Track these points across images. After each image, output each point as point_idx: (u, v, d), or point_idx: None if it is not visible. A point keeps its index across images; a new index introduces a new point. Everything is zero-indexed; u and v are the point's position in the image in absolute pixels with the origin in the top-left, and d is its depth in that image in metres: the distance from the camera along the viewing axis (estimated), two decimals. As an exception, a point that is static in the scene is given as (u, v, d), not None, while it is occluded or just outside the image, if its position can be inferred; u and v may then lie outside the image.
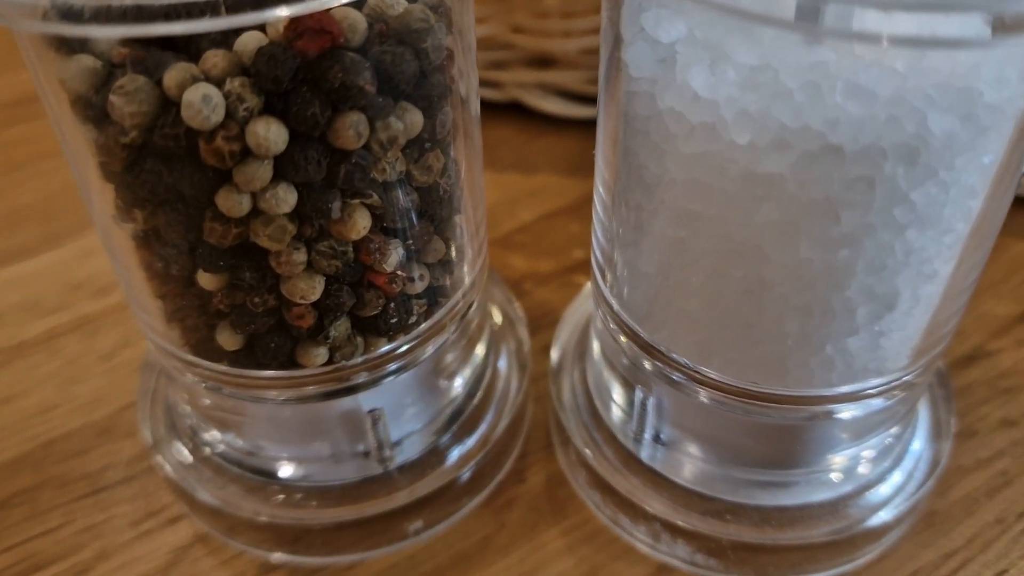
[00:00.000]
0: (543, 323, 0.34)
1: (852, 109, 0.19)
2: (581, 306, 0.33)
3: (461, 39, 0.23)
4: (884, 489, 0.29)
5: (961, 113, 0.19)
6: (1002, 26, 0.17)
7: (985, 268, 0.36)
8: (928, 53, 0.19)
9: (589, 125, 0.42)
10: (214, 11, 0.17)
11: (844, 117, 0.19)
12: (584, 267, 0.37)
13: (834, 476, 0.29)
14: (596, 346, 0.30)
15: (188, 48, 0.20)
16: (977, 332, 0.34)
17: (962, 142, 0.19)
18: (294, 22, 0.19)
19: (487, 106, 0.38)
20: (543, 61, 0.40)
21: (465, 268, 0.27)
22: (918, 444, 0.30)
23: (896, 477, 0.29)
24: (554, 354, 0.32)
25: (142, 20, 0.17)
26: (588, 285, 0.34)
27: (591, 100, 0.41)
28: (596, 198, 0.26)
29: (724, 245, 0.21)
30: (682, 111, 0.20)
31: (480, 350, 0.31)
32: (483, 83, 0.40)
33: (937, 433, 0.30)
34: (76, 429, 0.32)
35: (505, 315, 0.33)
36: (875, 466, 0.29)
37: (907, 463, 0.30)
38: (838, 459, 0.29)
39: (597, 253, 0.26)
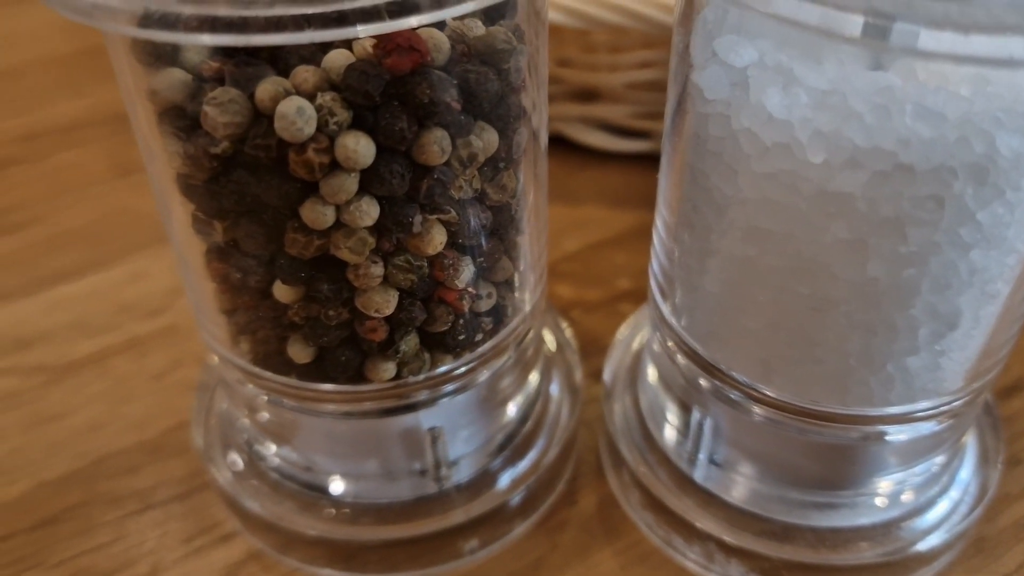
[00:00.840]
0: (591, 350, 0.35)
1: (922, 130, 0.20)
2: (630, 333, 0.33)
3: (536, 74, 0.24)
4: (933, 514, 0.29)
5: (1031, 132, 0.20)
6: None
7: None
8: (992, 78, 0.20)
9: (632, 159, 0.43)
10: (309, 25, 0.18)
11: (915, 138, 0.19)
12: (630, 296, 0.37)
13: (880, 501, 0.29)
14: (651, 370, 0.30)
15: (277, 63, 0.20)
16: (1019, 364, 0.35)
17: (1031, 162, 0.20)
18: (383, 40, 0.20)
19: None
20: (588, 95, 0.41)
21: (527, 292, 0.27)
22: (966, 472, 0.30)
23: (944, 503, 0.30)
24: (607, 379, 0.32)
25: (237, 31, 0.18)
26: (635, 313, 0.35)
27: (634, 134, 0.42)
28: (658, 220, 0.26)
29: (792, 262, 0.22)
30: (757, 131, 0.21)
31: (534, 377, 0.31)
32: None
33: (984, 461, 0.30)
34: (127, 447, 0.32)
35: (556, 341, 0.33)
36: (921, 492, 0.29)
37: (955, 490, 0.30)
38: (885, 483, 0.29)
39: (657, 275, 0.27)
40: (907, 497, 0.29)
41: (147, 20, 0.18)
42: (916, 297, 0.22)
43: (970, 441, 0.31)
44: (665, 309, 0.27)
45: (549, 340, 0.33)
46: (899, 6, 0.17)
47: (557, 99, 0.42)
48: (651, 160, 0.43)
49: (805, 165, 0.20)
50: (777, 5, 0.17)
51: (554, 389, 0.32)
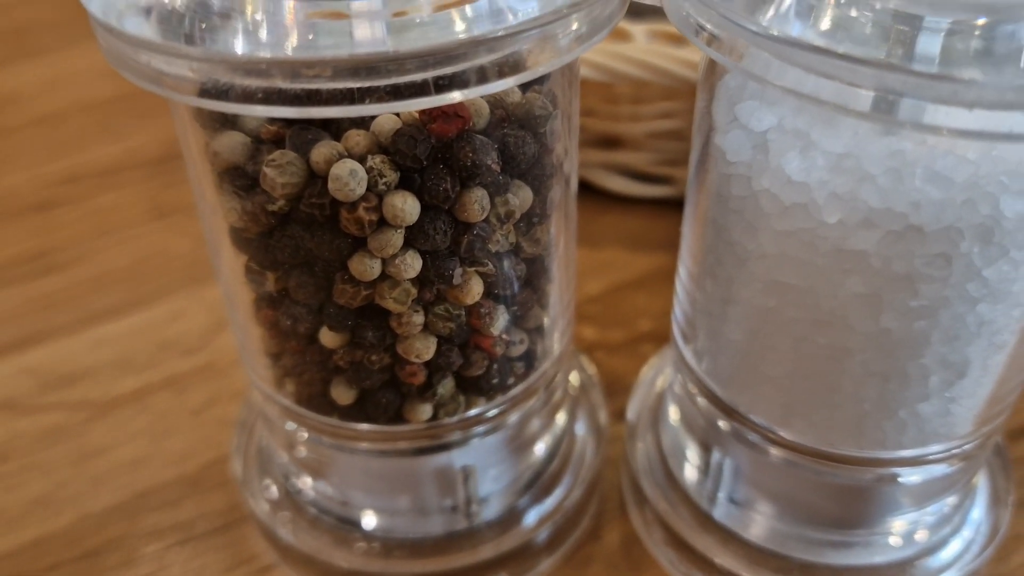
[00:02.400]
0: (614, 390, 0.36)
1: (932, 193, 0.21)
2: (652, 374, 0.35)
3: (568, 122, 0.25)
4: (946, 554, 0.30)
5: (1034, 197, 0.21)
6: None
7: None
8: (997, 144, 0.21)
9: (652, 204, 0.44)
10: (363, 99, 0.19)
11: (925, 200, 0.21)
12: (651, 337, 0.38)
13: (894, 540, 0.30)
14: (672, 410, 0.31)
15: (331, 127, 0.22)
16: (1028, 407, 0.36)
17: (1034, 223, 0.21)
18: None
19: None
20: (610, 142, 0.43)
21: (556, 337, 0.29)
22: (977, 513, 0.31)
23: (957, 543, 0.31)
24: (630, 419, 0.33)
25: (296, 104, 0.19)
26: (656, 354, 0.36)
27: (655, 180, 0.44)
28: (682, 269, 0.28)
29: (811, 314, 0.23)
30: (777, 193, 0.22)
31: (561, 417, 0.32)
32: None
33: (996, 501, 0.31)
34: (168, 481, 0.34)
35: (581, 382, 0.35)
36: (934, 532, 0.30)
37: (967, 530, 0.31)
38: (899, 523, 0.30)
39: (680, 320, 0.28)
40: (920, 536, 0.30)
41: (210, 91, 0.20)
42: (927, 347, 0.23)
43: (981, 482, 0.32)
44: (687, 353, 0.28)
45: (574, 380, 0.35)
46: (907, 84, 0.18)
47: (581, 146, 0.43)
48: (671, 205, 0.44)
49: (822, 224, 0.22)
50: (791, 80, 0.19)
51: (579, 428, 0.33)
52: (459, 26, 0.19)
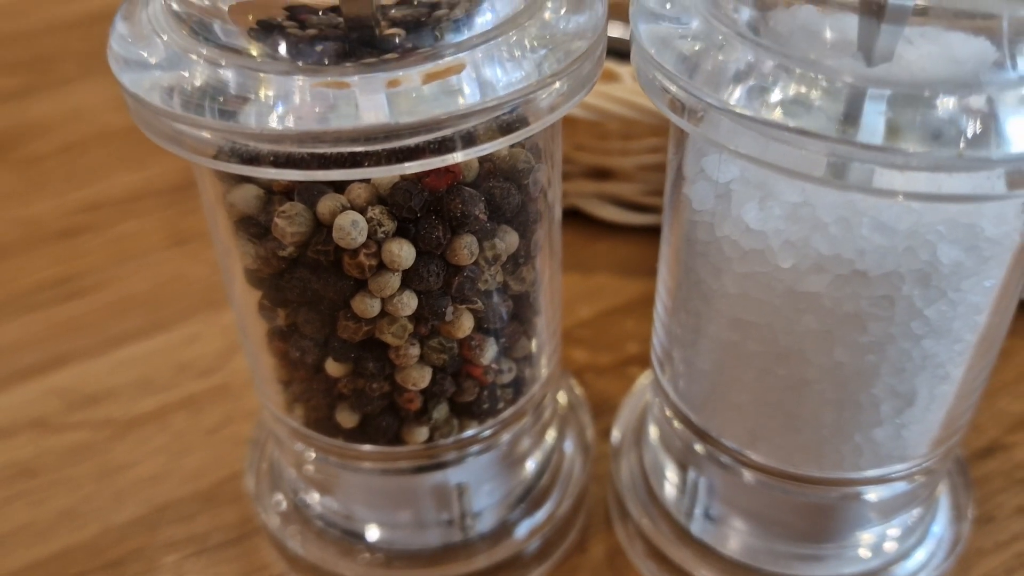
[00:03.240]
0: (602, 410, 0.38)
1: (876, 240, 0.23)
2: (637, 395, 0.37)
3: (551, 158, 0.27)
4: (910, 564, 0.32)
5: (966, 245, 0.23)
6: (1019, 182, 0.20)
7: (1001, 369, 0.40)
8: (947, 186, 0.23)
9: (643, 231, 0.47)
10: (364, 163, 0.22)
11: (869, 247, 0.23)
12: (638, 360, 0.41)
13: (862, 552, 0.32)
14: (653, 431, 0.34)
15: (334, 181, 0.24)
16: (994, 427, 0.38)
17: (967, 269, 0.23)
18: (423, 162, 0.24)
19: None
20: (601, 173, 0.45)
21: (543, 363, 0.31)
22: (939, 527, 0.33)
23: (920, 554, 0.33)
24: (615, 439, 0.36)
25: (304, 167, 0.22)
26: (643, 376, 0.38)
27: (645, 209, 0.46)
28: (658, 302, 0.30)
29: (771, 348, 0.26)
30: (737, 239, 0.24)
31: (550, 435, 0.35)
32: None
33: (957, 517, 0.34)
34: (185, 496, 0.36)
35: (570, 403, 0.37)
36: (900, 544, 0.33)
37: (930, 543, 0.33)
38: (867, 536, 0.32)
39: (657, 349, 0.31)
40: (887, 548, 0.32)
41: (225, 153, 0.22)
42: (877, 379, 0.25)
43: (943, 498, 0.34)
44: (664, 380, 0.30)
45: (564, 401, 0.37)
46: (854, 154, 0.20)
47: (573, 177, 0.46)
48: (659, 232, 0.46)
49: (777, 269, 0.24)
50: (747, 147, 0.21)
51: (568, 446, 0.36)
52: (450, 98, 0.21)
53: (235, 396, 0.40)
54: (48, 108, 0.59)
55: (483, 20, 0.22)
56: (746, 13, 0.22)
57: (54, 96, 0.61)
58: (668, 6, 0.23)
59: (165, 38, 0.22)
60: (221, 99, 0.21)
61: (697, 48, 0.21)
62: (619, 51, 0.36)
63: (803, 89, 0.21)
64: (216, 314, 0.43)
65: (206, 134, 0.21)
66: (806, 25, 0.22)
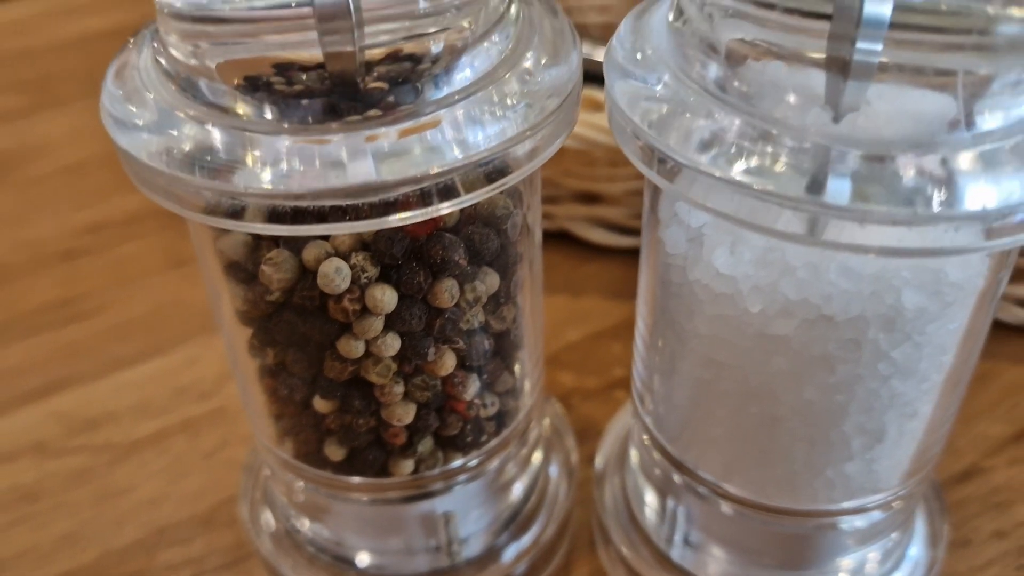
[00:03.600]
0: (588, 434, 0.39)
1: (843, 285, 0.24)
2: (622, 420, 0.38)
3: (530, 185, 0.28)
4: (889, 588, 0.33)
5: (930, 291, 0.24)
6: (996, 234, 0.20)
7: (980, 393, 0.41)
8: (905, 240, 0.24)
9: (631, 253, 0.47)
10: (347, 217, 0.22)
11: (836, 292, 0.24)
12: (624, 384, 0.41)
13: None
14: (634, 456, 0.34)
15: (320, 226, 0.25)
16: (972, 451, 0.39)
17: (931, 313, 0.24)
18: (405, 210, 0.25)
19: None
20: (590, 198, 0.46)
21: (526, 394, 0.32)
22: (915, 550, 0.34)
23: (899, 577, 0.34)
24: (598, 464, 0.36)
25: (289, 222, 0.23)
26: (627, 401, 0.39)
27: (633, 232, 0.47)
28: (637, 335, 0.31)
29: (743, 387, 0.26)
30: (708, 283, 0.25)
31: (535, 461, 0.35)
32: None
33: (933, 542, 0.34)
34: (182, 519, 0.37)
35: (555, 428, 0.38)
36: (880, 567, 0.33)
37: (906, 566, 0.34)
38: (846, 561, 0.33)
39: (637, 382, 0.31)
40: (868, 570, 0.33)
41: (214, 208, 0.23)
42: (846, 417, 0.26)
43: (919, 523, 0.35)
44: (643, 413, 0.31)
45: (550, 426, 0.38)
46: (821, 212, 0.21)
47: (563, 200, 0.47)
48: (649, 254, 0.47)
49: (747, 312, 0.25)
50: (715, 202, 0.22)
51: (553, 471, 0.37)
52: (432, 154, 0.22)
53: (231, 420, 0.41)
54: (49, 128, 0.61)
55: (462, 76, 0.23)
56: (714, 69, 0.23)
57: (55, 116, 0.62)
58: (639, 59, 0.24)
59: (154, 96, 0.23)
60: (209, 159, 0.22)
61: (665, 109, 0.22)
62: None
63: (771, 149, 0.21)
64: (213, 338, 0.44)
65: (195, 191, 0.22)
66: (774, 81, 0.22)
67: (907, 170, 0.20)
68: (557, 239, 0.48)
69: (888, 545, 0.34)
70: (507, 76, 0.24)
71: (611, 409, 0.40)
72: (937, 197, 0.20)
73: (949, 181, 0.20)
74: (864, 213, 0.20)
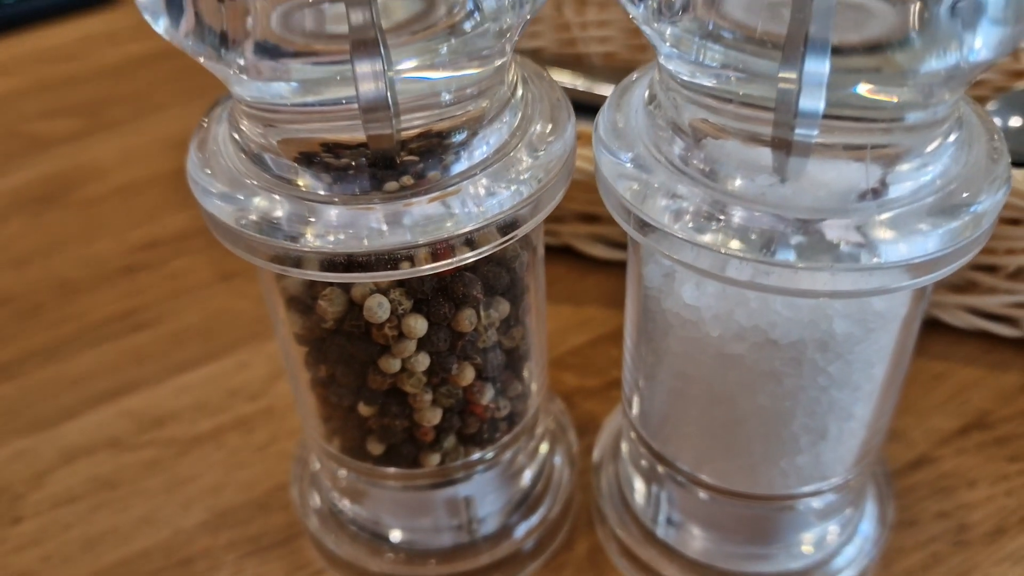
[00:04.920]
0: (588, 428, 0.45)
1: (786, 315, 0.30)
2: (615, 418, 0.44)
3: (535, 229, 0.33)
4: (841, 560, 0.39)
5: (857, 319, 0.30)
6: (918, 273, 0.26)
7: (935, 389, 0.46)
8: (831, 284, 0.29)
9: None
10: (387, 266, 0.28)
11: (780, 320, 0.30)
12: (620, 384, 0.47)
13: (806, 548, 0.39)
14: (624, 448, 0.40)
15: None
16: (924, 442, 0.44)
17: (858, 337, 0.30)
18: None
19: (546, 249, 0.49)
20: (591, 217, 0.52)
21: (533, 396, 0.38)
22: (866, 526, 0.40)
23: (850, 551, 0.39)
24: (595, 456, 0.42)
25: (343, 270, 0.28)
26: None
27: (628, 247, 0.53)
28: (625, 349, 0.37)
29: (708, 394, 0.32)
30: (677, 311, 0.31)
31: (542, 452, 0.41)
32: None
33: (882, 522, 0.40)
34: (241, 504, 0.43)
35: (560, 424, 0.44)
36: (838, 537, 0.39)
37: (858, 540, 0.40)
38: (808, 535, 0.39)
39: (625, 387, 0.37)
40: (830, 540, 0.39)
41: (282, 259, 0.29)
42: (794, 419, 0.32)
43: (869, 504, 0.40)
44: (629, 412, 0.37)
45: (556, 422, 0.44)
46: (770, 269, 0.26)
47: (567, 219, 0.52)
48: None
49: (708, 335, 0.31)
50: (684, 256, 0.27)
51: (557, 460, 0.43)
52: (456, 218, 0.28)
53: (280, 417, 0.47)
54: (102, 150, 0.67)
55: (480, 151, 0.29)
56: (679, 146, 0.28)
57: (106, 139, 0.68)
58: (619, 137, 0.29)
59: (230, 165, 0.29)
60: (276, 222, 0.28)
61: (639, 184, 0.28)
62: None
63: (723, 217, 0.26)
64: (260, 344, 0.51)
65: (265, 246, 0.28)
66: (730, 154, 0.28)
67: (832, 230, 0.26)
68: (562, 253, 0.54)
69: (843, 520, 0.39)
70: (517, 147, 0.29)
71: (609, 406, 0.46)
72: (856, 251, 0.26)
73: (866, 239, 0.26)
74: (797, 268, 0.26)
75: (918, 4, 0.24)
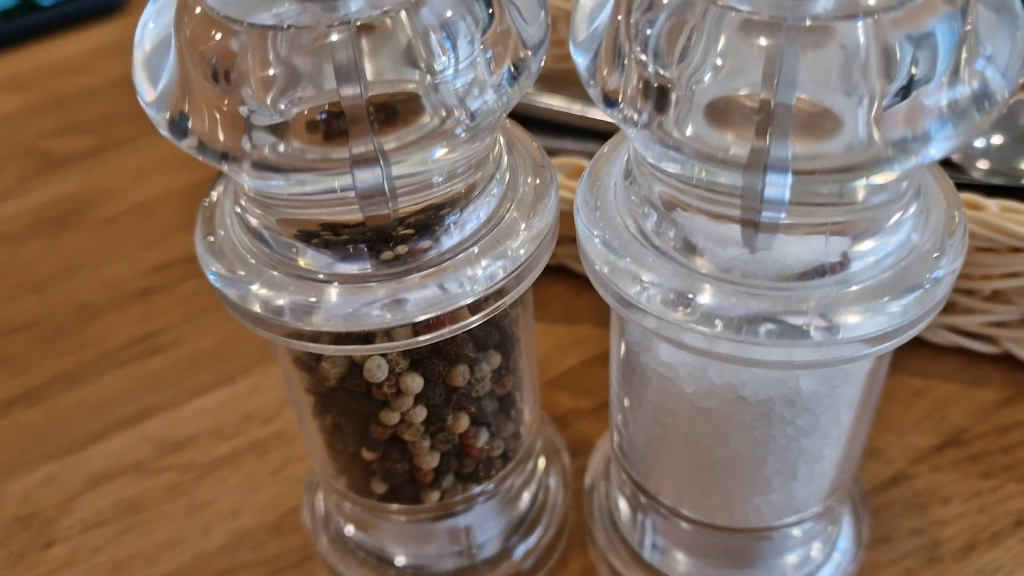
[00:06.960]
0: (581, 449, 0.48)
1: (755, 373, 0.32)
2: (606, 443, 0.46)
3: (523, 300, 0.36)
4: (824, 573, 0.42)
5: (822, 376, 0.32)
6: (876, 343, 0.28)
7: (913, 407, 0.48)
8: (788, 355, 0.31)
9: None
10: (387, 338, 0.31)
11: (750, 379, 0.32)
12: (612, 407, 0.50)
13: (790, 569, 0.41)
14: (613, 474, 0.43)
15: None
16: (901, 460, 0.47)
17: (823, 393, 0.32)
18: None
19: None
20: (583, 241, 0.54)
21: (525, 436, 0.40)
22: (843, 543, 0.43)
23: (828, 569, 0.42)
24: (587, 478, 0.45)
25: (344, 343, 0.31)
26: (614, 423, 0.48)
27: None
28: (611, 390, 0.39)
29: (684, 440, 0.35)
30: (655, 367, 0.33)
31: (538, 475, 0.44)
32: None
33: (858, 540, 0.43)
34: (257, 527, 0.46)
35: (554, 447, 0.46)
36: (820, 553, 0.42)
37: (836, 556, 0.42)
38: (791, 557, 0.41)
39: (611, 419, 0.40)
40: (815, 554, 0.42)
41: (290, 333, 0.31)
42: (766, 463, 0.34)
43: (846, 523, 0.43)
44: (615, 444, 0.40)
45: (550, 445, 0.46)
46: (740, 347, 0.28)
47: (563, 242, 0.54)
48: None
49: (683, 391, 0.33)
50: (657, 328, 0.30)
51: (552, 482, 0.45)
52: (451, 294, 0.30)
53: (291, 441, 0.49)
54: (115, 169, 0.69)
55: (471, 224, 0.31)
56: (652, 221, 0.30)
57: (119, 156, 0.70)
58: (597, 214, 0.31)
59: (235, 240, 0.32)
60: (283, 305, 0.30)
61: (614, 260, 0.30)
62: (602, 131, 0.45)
63: (691, 295, 0.28)
64: (271, 367, 0.53)
65: (272, 323, 0.31)
66: (699, 228, 0.30)
67: (795, 317, 0.28)
68: (557, 272, 0.56)
69: (824, 539, 0.42)
70: (505, 218, 0.32)
71: (601, 427, 0.48)
72: (817, 333, 0.28)
73: (827, 320, 0.28)
74: (760, 343, 0.28)
75: (873, 115, 0.25)
